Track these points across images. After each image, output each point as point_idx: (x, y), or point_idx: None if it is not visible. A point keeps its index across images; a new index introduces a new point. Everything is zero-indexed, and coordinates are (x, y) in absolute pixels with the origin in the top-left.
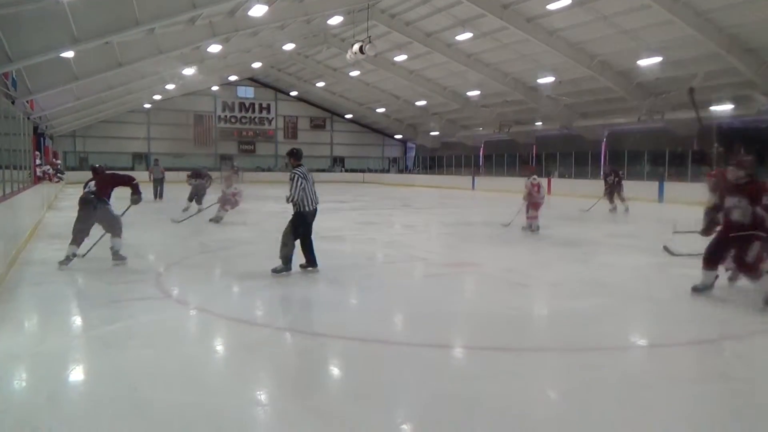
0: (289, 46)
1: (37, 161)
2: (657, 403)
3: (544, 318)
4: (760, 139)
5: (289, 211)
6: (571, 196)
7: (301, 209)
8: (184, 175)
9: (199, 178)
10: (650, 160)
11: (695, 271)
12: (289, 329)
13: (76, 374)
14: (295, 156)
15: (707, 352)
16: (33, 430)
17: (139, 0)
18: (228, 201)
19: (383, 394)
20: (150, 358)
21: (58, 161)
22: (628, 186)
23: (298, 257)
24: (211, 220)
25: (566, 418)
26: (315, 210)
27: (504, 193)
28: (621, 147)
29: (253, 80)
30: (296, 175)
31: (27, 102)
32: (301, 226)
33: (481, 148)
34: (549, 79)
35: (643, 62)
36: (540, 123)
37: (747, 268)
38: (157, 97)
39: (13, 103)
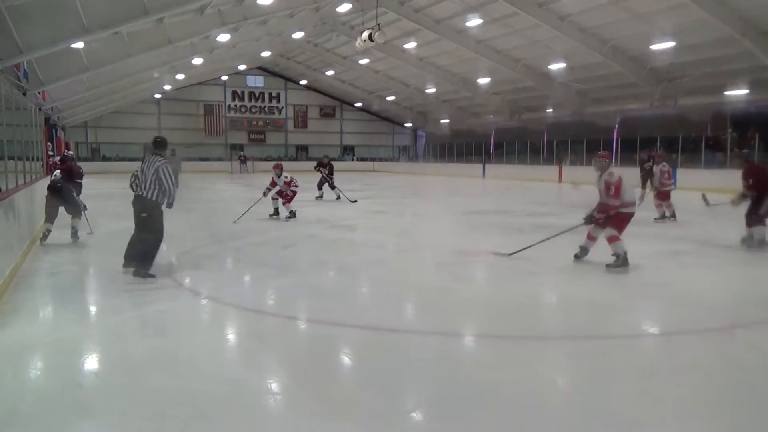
0: (298, 35)
1: (50, 152)
2: (668, 392)
3: (555, 306)
4: None
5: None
6: (584, 184)
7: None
8: (195, 165)
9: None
10: (663, 146)
11: (707, 260)
12: (299, 318)
13: (90, 363)
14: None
15: (720, 340)
16: (47, 418)
17: None
18: (286, 195)
19: (394, 382)
20: (162, 346)
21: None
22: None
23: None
24: (287, 218)
25: (578, 407)
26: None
27: (515, 181)
28: (633, 133)
29: (263, 69)
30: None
31: (39, 93)
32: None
33: (492, 136)
34: (560, 65)
35: (656, 47)
36: (551, 110)
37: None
38: (167, 87)
39: (24, 94)
